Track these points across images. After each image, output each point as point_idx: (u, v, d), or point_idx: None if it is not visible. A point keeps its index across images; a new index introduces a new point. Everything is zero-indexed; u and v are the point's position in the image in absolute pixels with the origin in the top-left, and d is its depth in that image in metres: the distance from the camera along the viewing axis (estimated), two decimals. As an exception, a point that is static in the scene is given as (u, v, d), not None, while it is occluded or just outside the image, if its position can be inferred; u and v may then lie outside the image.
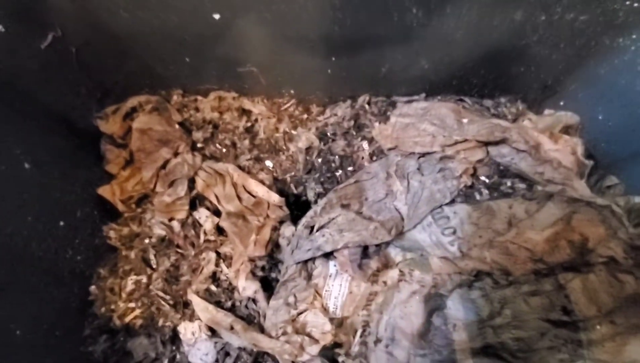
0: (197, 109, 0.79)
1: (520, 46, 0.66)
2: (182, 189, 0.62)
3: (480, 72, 0.73)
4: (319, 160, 0.75)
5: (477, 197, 0.67)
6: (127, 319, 0.62)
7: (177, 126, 0.72)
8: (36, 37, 0.58)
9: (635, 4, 0.58)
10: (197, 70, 0.74)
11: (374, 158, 0.72)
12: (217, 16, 0.61)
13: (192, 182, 0.66)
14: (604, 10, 0.60)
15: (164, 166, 0.65)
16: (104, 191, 0.65)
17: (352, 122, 0.76)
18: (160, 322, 0.61)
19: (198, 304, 0.56)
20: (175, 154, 0.67)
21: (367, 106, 0.77)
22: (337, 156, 0.74)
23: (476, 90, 0.78)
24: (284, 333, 0.51)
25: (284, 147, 0.78)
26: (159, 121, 0.69)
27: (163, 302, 0.62)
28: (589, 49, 0.66)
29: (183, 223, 0.64)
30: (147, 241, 0.65)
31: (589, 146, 0.73)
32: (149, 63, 0.73)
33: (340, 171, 0.73)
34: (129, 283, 0.63)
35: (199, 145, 0.74)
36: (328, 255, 0.59)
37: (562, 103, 0.77)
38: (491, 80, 0.75)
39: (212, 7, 0.60)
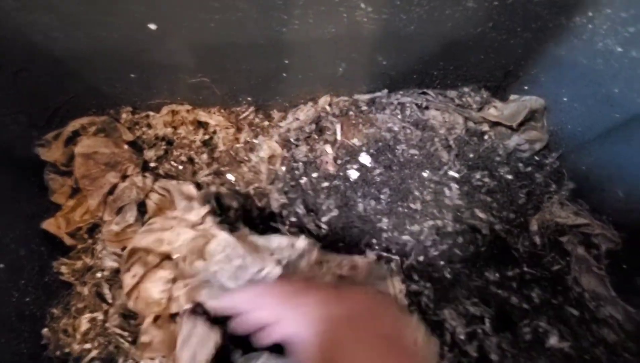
0: (149, 126, 0.74)
1: (476, 34, 0.63)
2: (131, 215, 0.58)
3: (440, 64, 0.71)
4: (283, 168, 0.72)
5: (447, 193, 0.65)
6: (84, 361, 0.57)
7: (126, 147, 0.67)
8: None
9: (586, -19, 0.56)
10: (145, 85, 0.70)
11: (338, 161, 0.69)
12: (153, 26, 0.57)
13: (143, 206, 0.61)
14: (557, -10, 0.58)
15: (111, 192, 0.61)
16: (49, 225, 0.60)
17: (313, 126, 0.72)
18: (121, 361, 0.57)
19: (156, 335, 0.52)
20: (124, 177, 0.62)
21: (328, 108, 0.74)
22: (300, 163, 0.71)
23: (438, 82, 0.75)
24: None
25: (246, 158, 0.74)
26: (105, 143, 0.64)
27: (121, 339, 0.57)
28: (546, 31, 0.64)
29: (138, 251, 0.60)
30: (99, 274, 0.60)
31: (556, 130, 0.72)
32: (93, 83, 0.68)
33: (304, 179, 0.69)
34: (84, 322, 0.58)
35: (151, 164, 0.69)
36: None
37: (526, 88, 0.75)
38: (452, 70, 0.72)
39: (145, 18, 0.56)
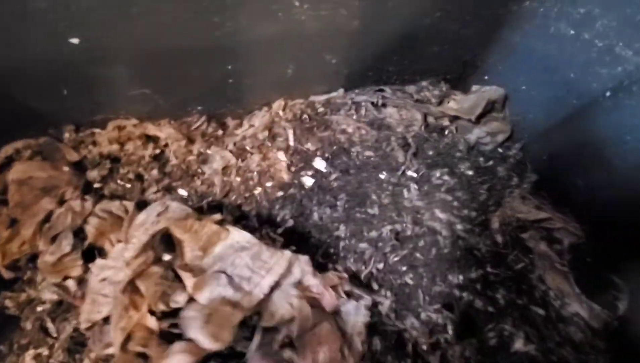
0: (95, 144, 0.70)
1: (425, 26, 0.60)
2: (67, 244, 0.54)
3: (394, 59, 0.67)
4: (238, 179, 0.68)
5: (406, 194, 0.62)
6: (31, 401, 0.54)
7: (66, 169, 0.63)
8: None
9: (533, -36, 0.54)
10: (82, 101, 0.65)
11: (292, 169, 0.66)
12: (75, 41, 0.53)
13: (83, 231, 0.57)
14: (503, -25, 0.55)
15: (48, 219, 0.57)
16: (-17, 258, 0.56)
17: (266, 133, 0.69)
18: (69, 398, 0.53)
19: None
20: (62, 202, 0.58)
21: (281, 113, 0.71)
22: (255, 173, 0.67)
23: (395, 77, 0.72)
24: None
25: (199, 170, 0.71)
26: (41, 167, 0.60)
27: (68, 375, 0.54)
28: (498, 18, 0.61)
29: (81, 280, 0.56)
30: (40, 308, 0.56)
31: (518, 120, 0.70)
32: (25, 103, 0.63)
33: (259, 189, 0.66)
34: (27, 359, 0.55)
35: (95, 185, 0.65)
36: None
37: (486, 78, 0.73)
38: (407, 65, 0.69)
39: (66, 31, 0.52)
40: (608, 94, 0.52)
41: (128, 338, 0.44)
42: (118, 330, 0.43)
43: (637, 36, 0.48)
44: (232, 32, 0.55)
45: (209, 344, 0.42)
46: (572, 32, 0.55)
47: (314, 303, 0.51)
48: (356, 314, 0.50)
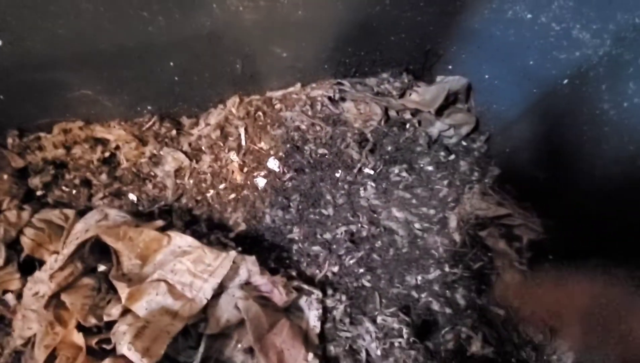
0: (40, 148, 0.67)
1: (375, 14, 0.57)
2: (0, 257, 0.51)
3: (348, 50, 0.64)
4: (191, 181, 0.65)
5: (362, 193, 0.59)
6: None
7: (5, 177, 0.60)
8: None
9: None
10: (23, 105, 0.62)
11: (245, 170, 0.62)
12: (-3, 42, 0.49)
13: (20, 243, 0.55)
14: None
15: (-18, 232, 0.54)
16: None
17: (218, 132, 0.66)
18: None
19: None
20: (-3, 212, 0.55)
21: (234, 110, 0.67)
22: (208, 174, 0.64)
23: (354, 70, 0.69)
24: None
25: (151, 173, 0.67)
26: (-23, 176, 0.57)
27: (10, 393, 0.51)
28: (453, 4, 0.58)
29: (20, 294, 0.53)
30: (-21, 324, 0.54)
31: (483, 110, 0.66)
32: (-41, 108, 0.60)
33: (212, 191, 0.63)
34: (-33, 378, 0.52)
35: (38, 193, 0.62)
36: None
37: (450, 67, 0.69)
38: (364, 56, 0.66)
39: (-14, 31, 0.48)
40: (565, 81, 0.49)
41: (54, 357, 0.41)
42: (42, 348, 0.41)
43: (595, 16, 0.45)
44: (165, 26, 0.52)
45: (137, 360, 0.40)
46: (529, 15, 0.52)
47: (266, 303, 0.48)
48: (309, 308, 0.48)
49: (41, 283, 0.49)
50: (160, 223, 0.52)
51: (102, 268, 0.47)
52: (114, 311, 0.42)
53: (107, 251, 0.48)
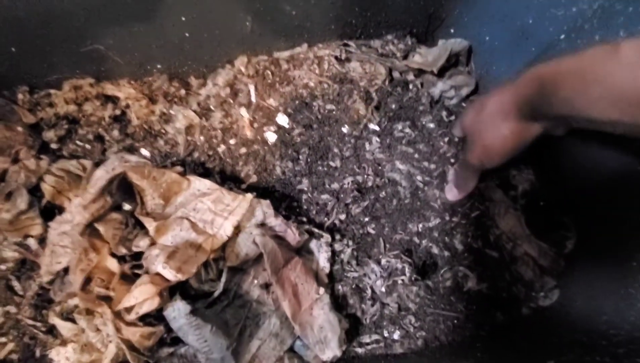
0: (51, 105, 0.68)
1: (383, -28, 0.58)
2: (22, 201, 0.53)
3: (356, 10, 0.66)
4: (201, 138, 0.67)
5: (367, 147, 0.62)
6: (1, 355, 0.55)
7: (20, 129, 0.61)
8: None
9: None
10: (34, 60, 0.63)
11: (255, 125, 0.65)
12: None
13: (40, 190, 0.57)
14: None
15: (2, 179, 0.56)
16: (-62, 221, 0.55)
17: (228, 90, 0.68)
18: (38, 352, 0.54)
19: (63, 327, 0.49)
20: (16, 161, 0.57)
21: (243, 69, 0.69)
22: (218, 131, 0.67)
23: (360, 31, 0.70)
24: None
25: (162, 131, 0.69)
26: (-7, 127, 0.59)
27: (36, 330, 0.54)
28: (458, -36, 0.60)
29: (42, 239, 0.56)
30: (4, 267, 0.56)
31: (483, 72, 0.69)
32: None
33: (223, 146, 0.66)
34: (-6, 317, 0.55)
35: (53, 146, 0.64)
36: None
37: (452, 31, 0.71)
38: (370, 17, 0.68)
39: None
40: (562, 36, 0.52)
41: (89, 281, 0.44)
42: (78, 272, 0.44)
43: (591, -26, 0.48)
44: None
45: (172, 276, 0.43)
46: (530, -26, 0.54)
47: (280, 242, 0.52)
48: (319, 251, 0.52)
49: (66, 224, 0.51)
50: (179, 168, 0.54)
51: (127, 207, 0.49)
52: (142, 243, 0.45)
53: (130, 192, 0.50)
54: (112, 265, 0.43)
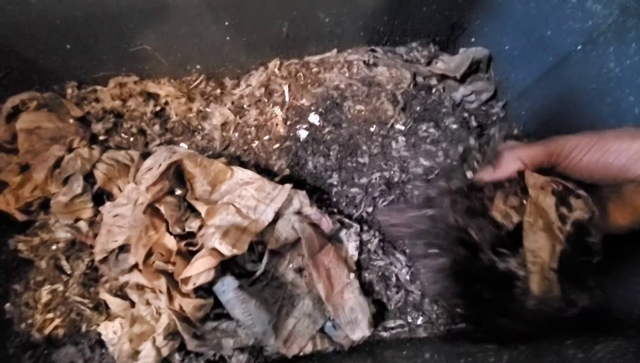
0: (97, 100, 0.73)
1: (413, -16, 0.64)
2: (77, 185, 0.58)
3: (384, 19, 0.71)
4: (236, 134, 0.72)
5: (394, 145, 0.67)
6: (47, 330, 0.58)
7: (71, 121, 0.66)
8: None
9: None
10: (85, 57, 0.68)
11: (288, 123, 0.70)
12: (77, -9, 0.55)
13: (92, 177, 0.61)
14: None
15: (58, 165, 0.60)
16: (-3, 202, 0.60)
17: (263, 90, 0.73)
18: (84, 328, 0.58)
19: (113, 302, 0.53)
20: (70, 150, 0.62)
21: (277, 71, 0.74)
22: (252, 127, 0.71)
23: (386, 38, 0.76)
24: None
25: (199, 126, 0.74)
26: (48, 118, 0.64)
27: (83, 307, 0.58)
28: (482, -21, 0.65)
29: (91, 222, 0.60)
30: (54, 247, 0.60)
31: (502, 79, 0.74)
32: (28, 57, 0.66)
33: (257, 142, 0.70)
34: (44, 294, 0.59)
35: (101, 138, 0.68)
36: None
37: (473, 40, 0.76)
38: (397, 26, 0.73)
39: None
40: (579, 47, 0.56)
41: (149, 255, 0.49)
42: (140, 247, 0.48)
43: (606, -9, 0.52)
44: (227, -14, 0.58)
45: (228, 251, 0.47)
46: (549, -10, 0.59)
47: (315, 229, 0.56)
48: (348, 240, 0.56)
49: (120, 207, 0.56)
50: (223, 159, 0.59)
51: (178, 192, 0.54)
52: (194, 224, 0.49)
53: (180, 179, 0.55)
54: (170, 242, 0.48)
